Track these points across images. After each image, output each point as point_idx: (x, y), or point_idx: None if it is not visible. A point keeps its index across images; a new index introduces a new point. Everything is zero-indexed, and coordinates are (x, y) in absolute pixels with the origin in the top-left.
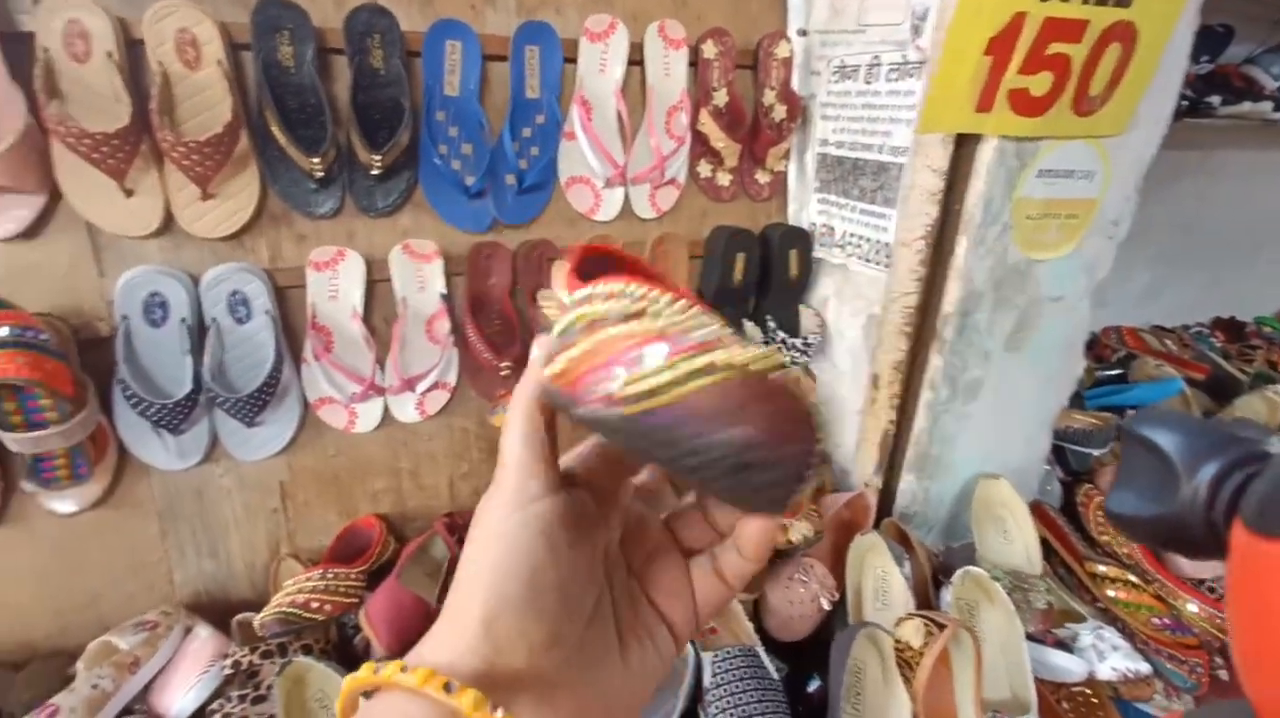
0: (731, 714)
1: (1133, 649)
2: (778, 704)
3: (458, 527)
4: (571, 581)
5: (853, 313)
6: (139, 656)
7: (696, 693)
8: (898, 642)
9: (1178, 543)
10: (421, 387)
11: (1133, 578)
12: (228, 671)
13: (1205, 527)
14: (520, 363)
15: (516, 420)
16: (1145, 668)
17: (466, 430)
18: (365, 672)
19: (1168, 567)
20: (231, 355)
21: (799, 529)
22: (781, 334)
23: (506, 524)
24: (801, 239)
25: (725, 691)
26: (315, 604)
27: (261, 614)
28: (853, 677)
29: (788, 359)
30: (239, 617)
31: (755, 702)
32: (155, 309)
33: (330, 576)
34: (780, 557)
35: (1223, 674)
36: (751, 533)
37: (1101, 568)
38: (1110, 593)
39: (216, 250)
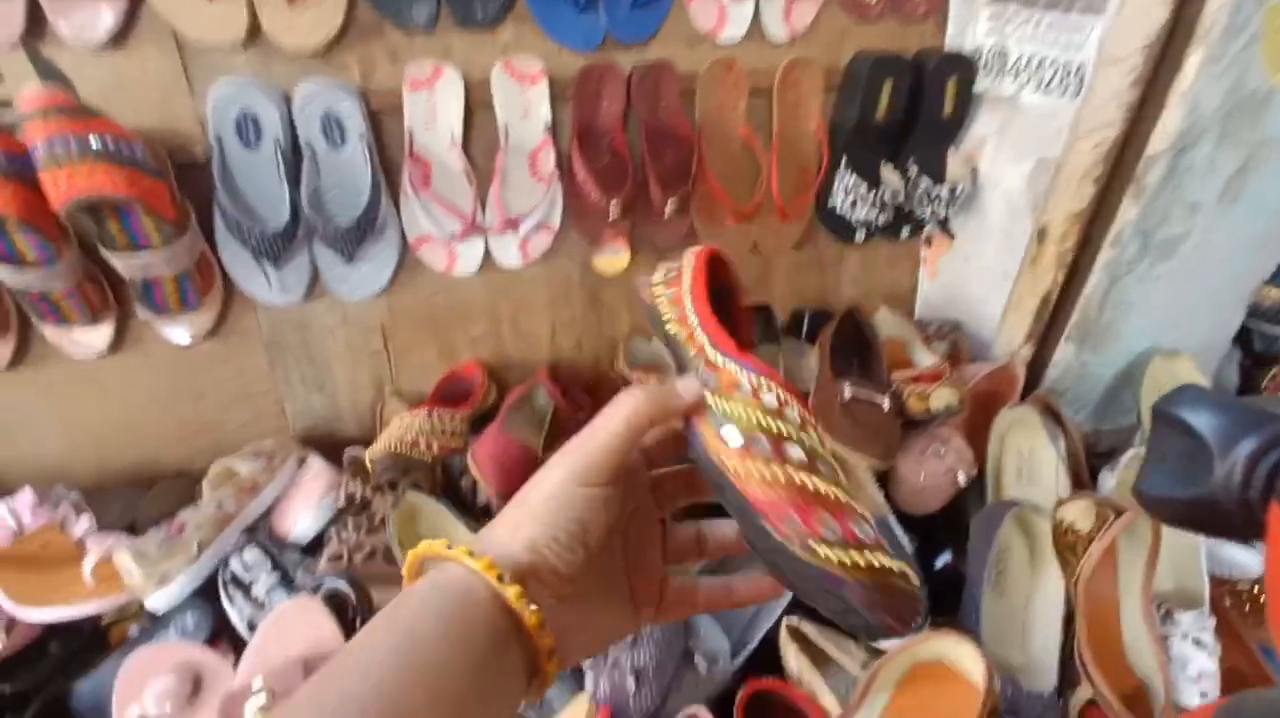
0: None
1: None
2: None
3: (561, 377)
4: (601, 541)
5: (1016, 157)
6: (258, 481)
7: None
8: (1059, 523)
9: (1212, 524)
10: (525, 228)
11: None
12: (340, 503)
13: (1240, 507)
14: (630, 203)
15: (631, 423)
16: None
17: (569, 277)
18: (439, 546)
19: None
20: (327, 183)
21: (940, 397)
22: (925, 181)
23: (575, 492)
24: (962, 66)
25: None
26: (423, 444)
27: (371, 451)
28: (997, 557)
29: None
30: (350, 450)
31: None
32: (248, 129)
33: (437, 417)
34: (916, 426)
35: None
36: (756, 591)
37: None
38: None
39: (306, 67)
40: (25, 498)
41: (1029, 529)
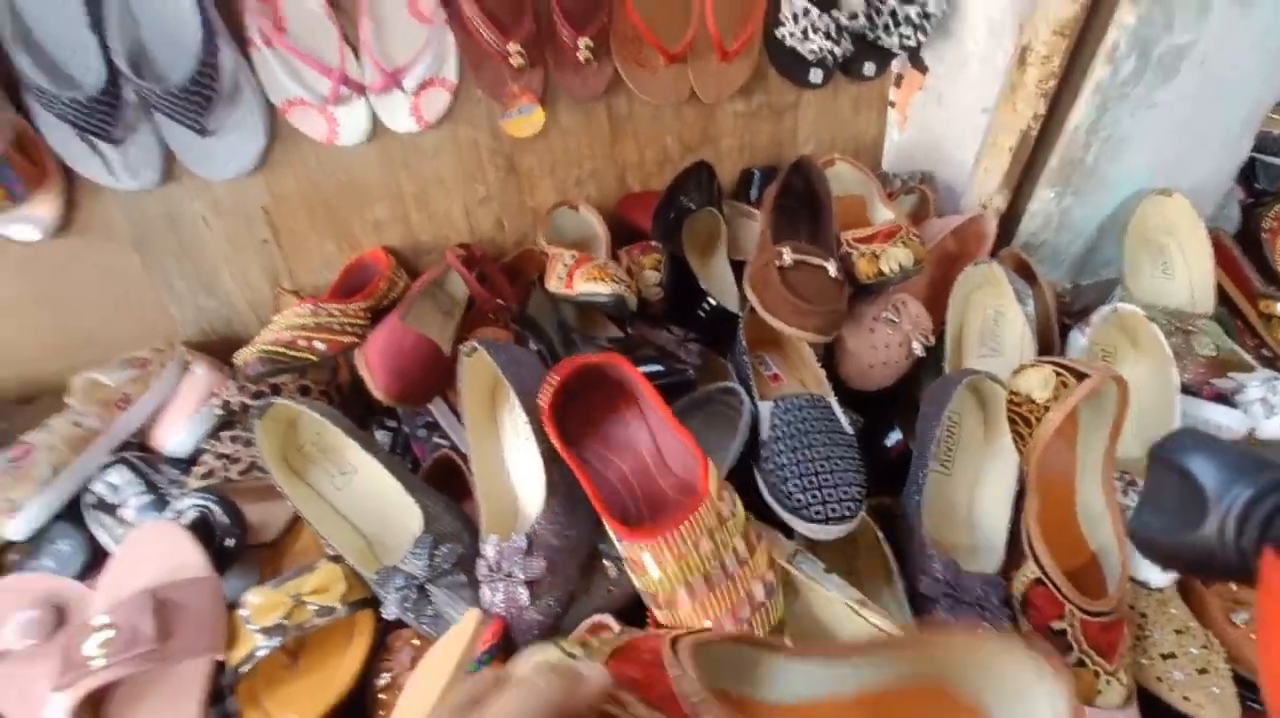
0: (793, 471)
1: None
2: (849, 461)
3: (475, 260)
4: None
5: None
6: (128, 393)
7: (752, 448)
8: (1014, 394)
9: (1205, 568)
10: (410, 82)
11: None
12: (218, 412)
13: (1235, 553)
14: (535, 47)
15: (540, 707)
16: None
17: (476, 143)
18: None
19: None
20: (148, 33)
21: (892, 257)
22: (890, 2)
23: None
24: None
25: (786, 445)
26: (303, 342)
27: (241, 353)
28: (946, 431)
29: None
30: (236, 354)
31: (822, 458)
32: None
33: (323, 311)
34: (864, 293)
35: None
36: None
37: None
38: None
39: None
40: None
41: (985, 401)
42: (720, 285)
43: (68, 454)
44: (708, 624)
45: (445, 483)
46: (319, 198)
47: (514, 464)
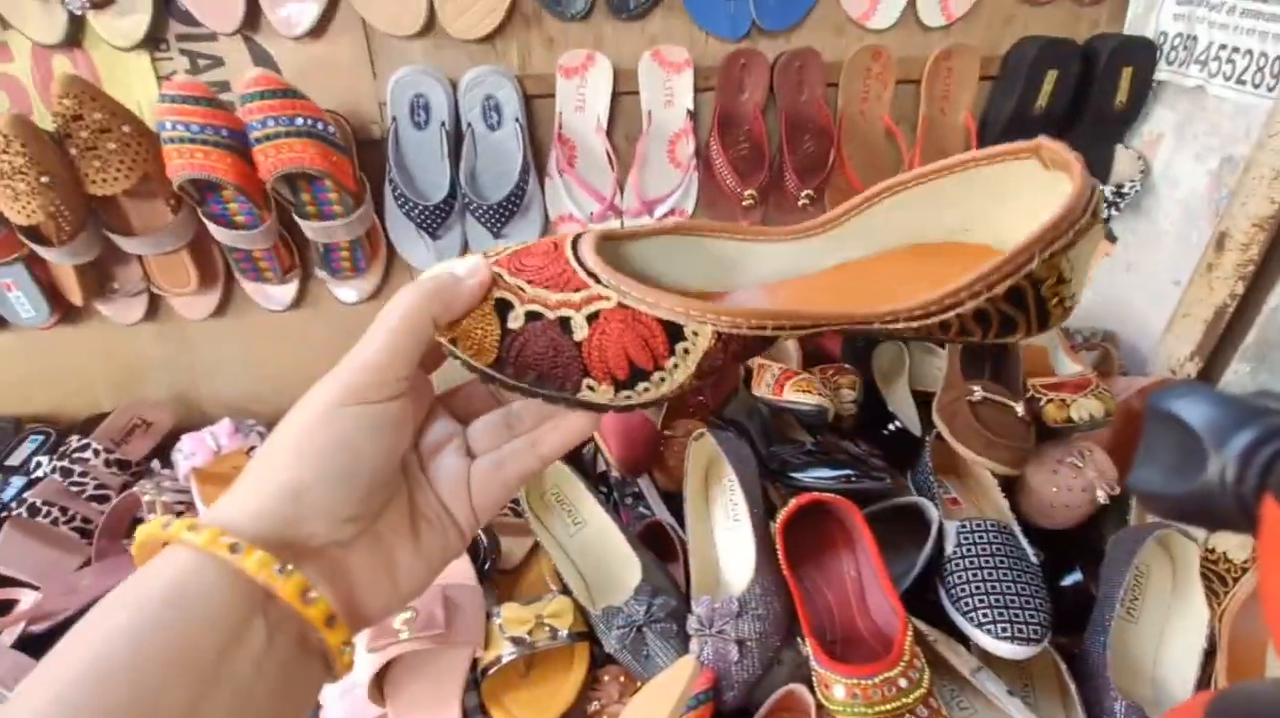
0: (979, 588)
1: None
2: (1036, 587)
3: None
4: (385, 468)
5: (1198, 154)
6: None
7: (933, 563)
8: (1209, 551)
9: (1205, 519)
10: (659, 210)
11: None
12: None
13: (1234, 502)
14: (764, 192)
15: (410, 317)
16: None
17: None
18: (154, 527)
19: None
20: (483, 163)
21: (1084, 406)
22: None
23: (344, 414)
24: (1143, 53)
25: (972, 563)
26: None
27: None
28: (1134, 580)
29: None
30: None
31: (1009, 580)
32: (420, 111)
33: None
34: (1053, 436)
35: None
36: (559, 434)
37: None
38: None
39: (472, 54)
40: (224, 425)
41: (1174, 555)
42: (902, 411)
43: None
44: None
45: (651, 547)
46: None
47: (721, 539)
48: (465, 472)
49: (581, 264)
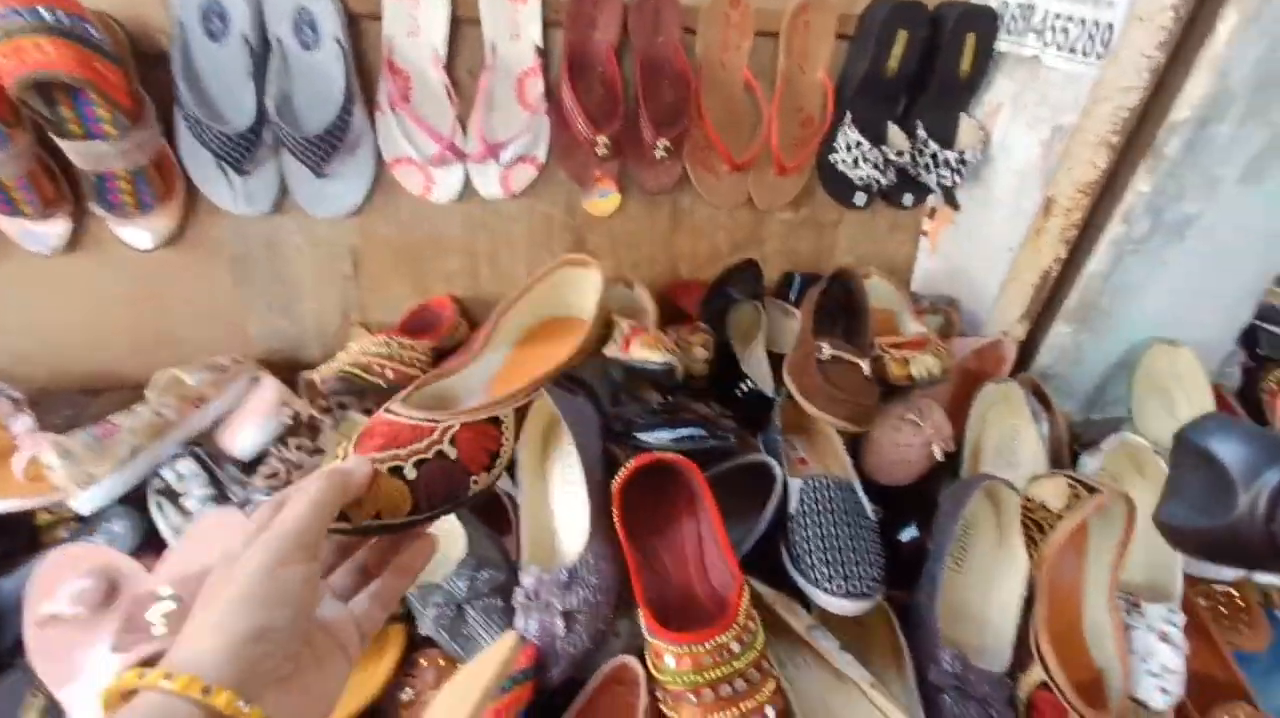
0: (818, 546)
1: None
2: (872, 543)
3: None
4: (312, 614)
5: (1031, 123)
6: (206, 394)
7: (778, 521)
8: (1028, 501)
9: (1232, 555)
10: (506, 156)
11: None
12: (287, 421)
13: (1265, 538)
14: (619, 141)
15: (322, 504)
16: None
17: (551, 218)
18: (131, 676)
19: None
20: (298, 87)
21: (922, 363)
22: (932, 146)
23: (284, 573)
24: (985, 20)
25: (812, 521)
26: (378, 368)
27: (321, 370)
28: (962, 531)
29: None
30: (305, 373)
31: (847, 537)
32: (214, 19)
33: (396, 343)
34: (894, 393)
35: None
36: (418, 555)
37: None
38: None
39: None
40: None
41: (1000, 506)
42: (756, 372)
43: (145, 440)
44: None
45: (484, 517)
46: (403, 244)
47: (559, 505)
48: (347, 611)
49: (412, 418)
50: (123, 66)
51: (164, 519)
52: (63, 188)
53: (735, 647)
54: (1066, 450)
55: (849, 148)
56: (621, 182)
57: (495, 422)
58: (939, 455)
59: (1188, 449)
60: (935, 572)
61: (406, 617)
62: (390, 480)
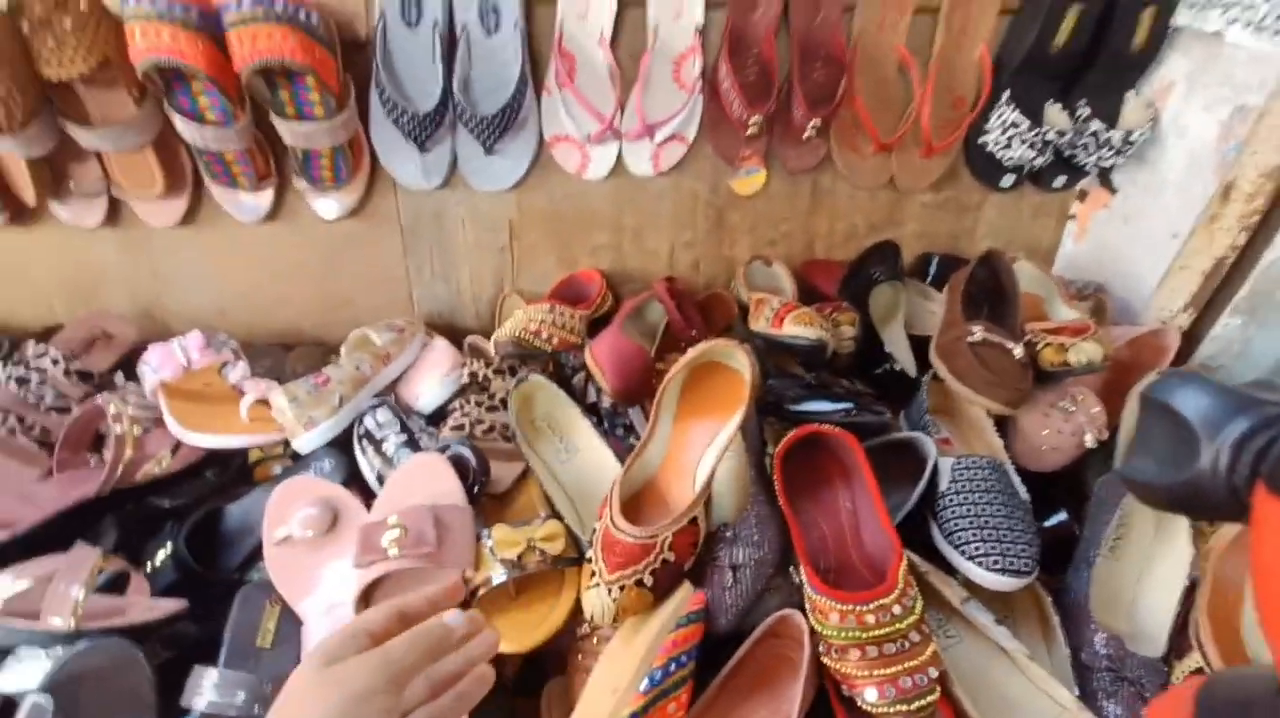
0: (972, 522)
1: None
2: (1026, 522)
3: (677, 292)
4: None
5: (1209, 104)
6: (390, 352)
7: (927, 498)
8: None
9: (1197, 508)
10: (660, 135)
11: None
12: (464, 379)
13: (1227, 491)
14: (771, 120)
15: (429, 650)
16: None
17: (696, 195)
18: None
19: None
20: (478, 71)
21: (1082, 350)
22: (1095, 123)
23: (369, 705)
24: None
25: (965, 498)
26: (545, 334)
27: (497, 334)
28: (1119, 520)
29: None
30: (471, 338)
31: (1001, 515)
32: (411, 7)
33: (559, 311)
34: (1047, 380)
35: None
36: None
37: None
38: None
39: None
40: (195, 339)
41: None
42: (898, 352)
43: (351, 390)
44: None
45: None
46: (556, 219)
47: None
48: None
49: (639, 538)
50: (334, 53)
51: (365, 460)
52: (271, 163)
53: (897, 609)
54: None
55: (1004, 128)
56: (766, 160)
57: (693, 520)
58: (1091, 443)
59: (1151, 405)
60: (1090, 557)
61: (581, 561)
62: (637, 591)
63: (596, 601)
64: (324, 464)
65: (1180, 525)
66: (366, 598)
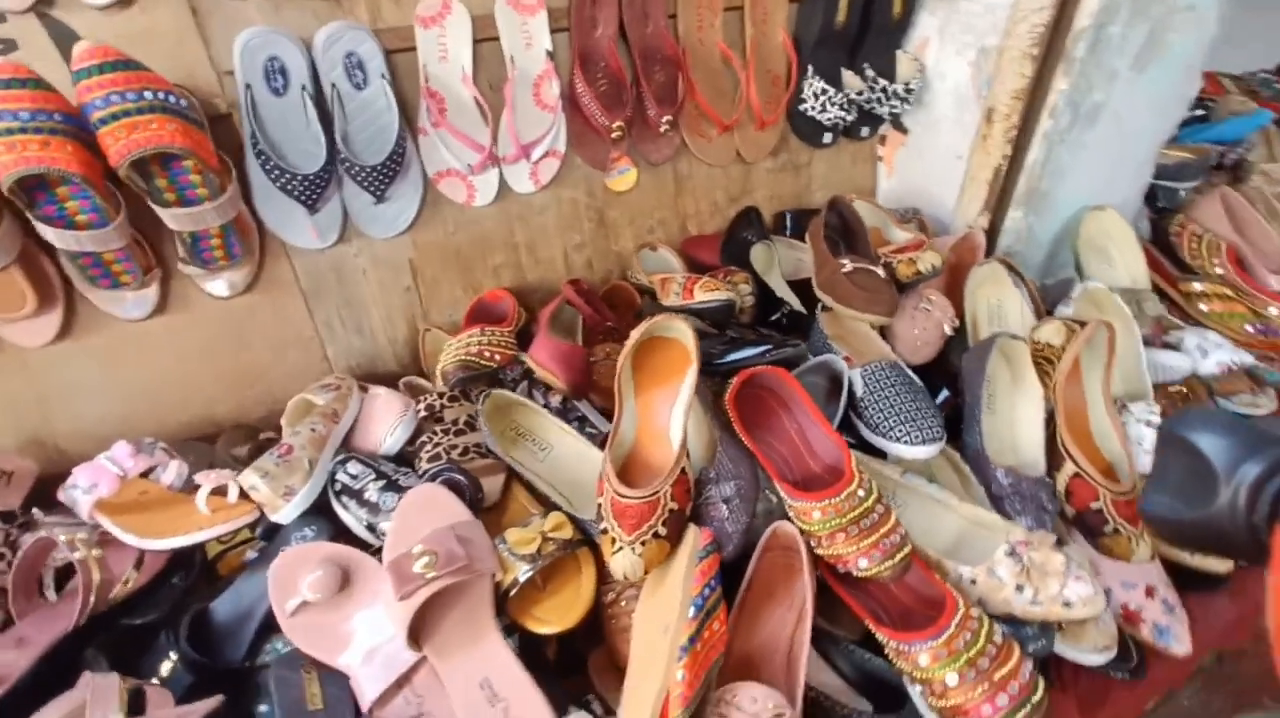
0: (888, 413)
1: (1234, 347)
2: (929, 403)
3: (584, 291)
4: None
5: (958, 50)
6: (336, 408)
7: (850, 406)
8: (1036, 342)
9: (1214, 545)
10: (536, 154)
11: (1227, 291)
12: (423, 413)
13: (1246, 530)
14: (629, 122)
15: None
16: (1248, 359)
17: (575, 201)
18: None
19: (1252, 278)
20: (354, 126)
21: (927, 259)
22: (881, 82)
23: None
24: None
25: (880, 397)
26: (488, 354)
27: (442, 365)
28: (988, 385)
29: None
30: (406, 378)
31: (909, 401)
32: (276, 76)
33: (490, 332)
34: (904, 289)
35: None
36: None
37: (1197, 285)
38: (1203, 307)
39: (316, 10)
40: (122, 448)
41: (1009, 356)
42: (785, 297)
43: (315, 452)
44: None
45: None
46: (453, 249)
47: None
48: None
49: (643, 498)
50: (206, 131)
51: (350, 514)
52: (150, 255)
53: (861, 493)
54: (1042, 309)
55: (815, 96)
56: (632, 158)
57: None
58: (949, 332)
59: (1170, 440)
60: (976, 415)
61: (587, 541)
62: (656, 543)
63: (625, 561)
64: (306, 532)
65: (1029, 374)
66: (416, 629)
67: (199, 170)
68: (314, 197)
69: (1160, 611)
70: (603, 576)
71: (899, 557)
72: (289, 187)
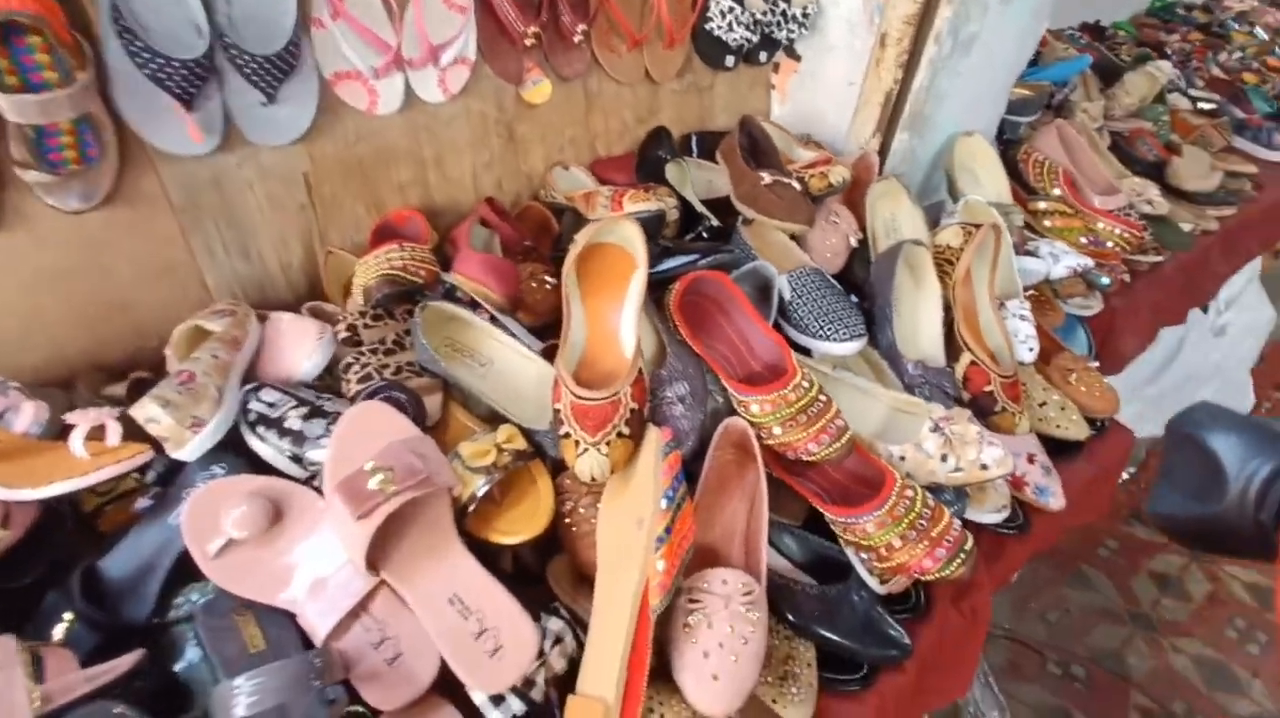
0: (816, 314)
1: (1078, 254)
2: (851, 304)
3: (500, 209)
4: None
5: None
6: (235, 335)
7: (780, 308)
8: (938, 246)
9: (1222, 544)
10: (445, 58)
11: (1066, 209)
12: (344, 334)
13: (1254, 528)
14: (543, 29)
15: None
16: (1089, 262)
17: (485, 115)
18: None
19: (1084, 199)
20: (240, 7)
21: (838, 173)
22: (781, 5)
23: None
24: None
25: (807, 298)
26: (414, 268)
27: (364, 282)
28: (894, 289)
29: None
30: (310, 304)
31: (833, 302)
32: None
33: (410, 248)
34: (815, 202)
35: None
36: None
37: (1042, 204)
38: (1047, 223)
39: None
40: None
41: (911, 263)
42: (704, 212)
43: (220, 379)
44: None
45: None
46: (354, 163)
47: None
48: None
49: (604, 398)
50: (60, 1)
51: (269, 445)
52: None
53: (805, 384)
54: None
55: (723, 14)
56: (543, 70)
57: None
58: (854, 244)
59: (1179, 438)
60: (887, 315)
61: (540, 452)
62: (620, 442)
63: (591, 462)
64: (215, 470)
65: (930, 276)
66: (374, 552)
67: (47, 49)
68: (192, 88)
69: (1040, 474)
70: (556, 485)
71: (844, 439)
72: (161, 74)
